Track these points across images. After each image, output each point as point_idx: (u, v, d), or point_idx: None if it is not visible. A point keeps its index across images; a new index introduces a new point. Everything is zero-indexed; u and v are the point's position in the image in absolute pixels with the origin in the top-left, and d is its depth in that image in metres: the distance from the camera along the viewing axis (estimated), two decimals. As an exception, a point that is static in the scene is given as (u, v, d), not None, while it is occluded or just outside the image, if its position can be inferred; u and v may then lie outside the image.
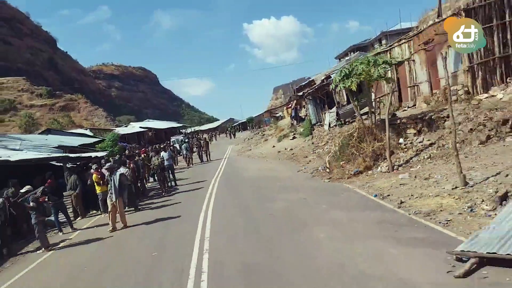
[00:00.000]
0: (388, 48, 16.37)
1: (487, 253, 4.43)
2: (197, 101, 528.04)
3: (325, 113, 19.60)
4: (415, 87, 14.64)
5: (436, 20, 12.86)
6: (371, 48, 39.81)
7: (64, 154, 14.25)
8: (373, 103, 14.44)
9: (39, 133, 26.52)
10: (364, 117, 13.52)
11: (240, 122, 70.98)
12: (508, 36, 11.41)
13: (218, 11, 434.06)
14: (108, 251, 7.79)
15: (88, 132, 37.62)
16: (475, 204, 6.49)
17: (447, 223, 5.99)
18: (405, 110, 14.68)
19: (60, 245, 8.71)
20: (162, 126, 52.44)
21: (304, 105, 26.02)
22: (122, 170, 10.57)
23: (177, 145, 28.19)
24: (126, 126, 49.80)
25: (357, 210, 7.66)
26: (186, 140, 30.50)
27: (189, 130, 68.62)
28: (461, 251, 4.66)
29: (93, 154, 13.82)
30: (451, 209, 6.53)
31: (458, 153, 7.62)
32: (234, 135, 52.15)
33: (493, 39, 11.41)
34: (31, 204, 8.35)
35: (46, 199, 8.76)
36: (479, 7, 11.34)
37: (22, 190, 8.90)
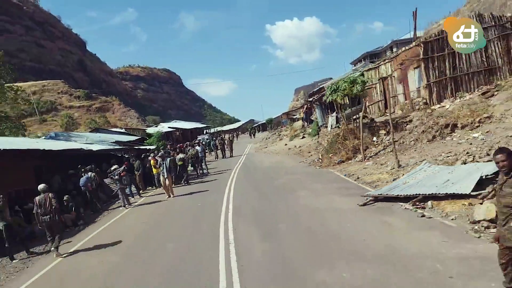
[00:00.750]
0: (377, 66, 20.34)
1: (378, 194, 8.56)
2: (219, 101, 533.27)
3: (328, 116, 23.63)
4: (395, 97, 18.57)
5: (407, 48, 16.79)
6: (383, 55, 43.31)
7: (122, 147, 18.85)
8: (366, 109, 18.50)
9: (89, 131, 31.50)
10: (358, 120, 17.59)
11: (260, 123, 75.28)
12: (456, 62, 15.27)
13: (241, 12, 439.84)
14: (166, 206, 12.18)
15: (124, 131, 42.61)
16: (398, 176, 10.53)
17: (376, 186, 10.09)
18: (386, 115, 18.63)
19: (133, 205, 13.16)
20: (188, 126, 57.21)
21: (313, 109, 30.07)
22: (173, 157, 15.04)
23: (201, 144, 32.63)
24: (156, 126, 54.77)
25: (330, 183, 11.77)
26: (213, 138, 34.89)
27: (212, 130, 73.38)
28: (366, 194, 8.83)
29: (148, 147, 18.34)
30: (383, 180, 10.60)
31: (395, 147, 11.68)
32: (254, 135, 56.47)
33: (445, 64, 15.29)
34: (116, 177, 12.85)
35: (125, 174, 13.20)
36: (434, 40, 15.26)
37: (112, 168, 13.36)
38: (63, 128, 45.09)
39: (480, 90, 14.65)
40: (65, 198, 11.42)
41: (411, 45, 16.21)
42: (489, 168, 7.68)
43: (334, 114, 21.99)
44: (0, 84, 23.27)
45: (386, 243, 5.70)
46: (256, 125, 75.13)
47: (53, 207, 7.95)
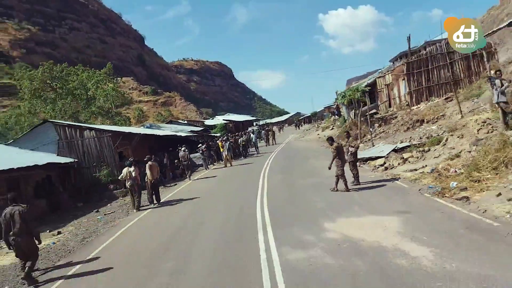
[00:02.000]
0: (383, 75, 27.44)
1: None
2: (269, 93, 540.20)
3: (350, 112, 30.92)
4: (394, 99, 25.66)
5: (398, 65, 23.87)
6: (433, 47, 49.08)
7: (196, 134, 27.57)
8: (378, 107, 25.83)
9: (166, 123, 40.91)
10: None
11: (306, 116, 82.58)
12: (430, 76, 22.24)
13: (292, 2, 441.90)
14: (226, 172, 20.42)
15: (186, 123, 51.96)
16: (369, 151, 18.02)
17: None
18: (386, 113, 25.80)
19: (210, 168, 21.62)
20: (240, 119, 65.94)
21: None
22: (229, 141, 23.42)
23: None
24: (212, 119, 64.01)
25: (329, 155, 19.47)
26: (261, 130, 43.08)
27: (261, 122, 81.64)
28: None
29: (215, 134, 26.84)
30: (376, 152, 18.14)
31: (372, 137, 19.13)
32: (299, 127, 64.06)
33: (422, 77, 22.31)
34: (201, 151, 21.36)
35: (205, 150, 21.65)
36: (414, 60, 22.32)
37: (199, 146, 21.89)
38: (135, 120, 54.63)
39: (445, 96, 21.54)
40: (176, 161, 20.10)
41: (399, 64, 23.28)
42: (401, 145, 15.16)
43: (353, 110, 29.33)
44: (117, 92, 32.34)
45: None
46: (302, 117, 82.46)
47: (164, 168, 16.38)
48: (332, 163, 10.55)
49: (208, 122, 60.07)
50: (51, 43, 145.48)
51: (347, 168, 11.03)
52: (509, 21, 10.79)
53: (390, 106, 26.93)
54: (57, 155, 17.44)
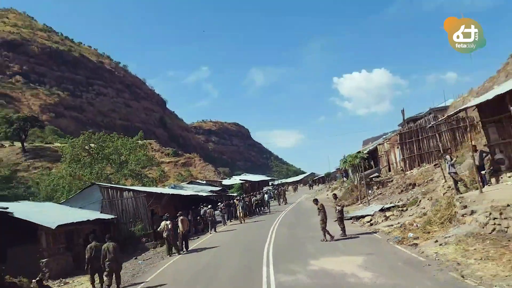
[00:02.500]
0: (383, 142, 30.92)
1: (348, 216, 19.35)
2: (286, 153, 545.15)
3: (354, 174, 34.10)
4: (392, 164, 28.91)
5: (393, 135, 27.38)
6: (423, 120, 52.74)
7: (212, 194, 30.98)
8: (380, 171, 29.03)
9: (187, 183, 44.61)
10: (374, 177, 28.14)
11: (319, 176, 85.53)
12: (421, 145, 25.60)
13: (308, 66, 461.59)
14: (241, 227, 23.55)
15: (205, 183, 55.55)
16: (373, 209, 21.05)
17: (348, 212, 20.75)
18: (386, 177, 28.91)
19: (228, 224, 24.75)
20: (255, 179, 69.36)
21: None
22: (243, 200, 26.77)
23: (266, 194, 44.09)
24: (229, 179, 67.59)
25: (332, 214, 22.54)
26: (274, 190, 46.26)
27: (276, 182, 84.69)
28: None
29: (232, 194, 30.19)
30: (358, 212, 21.18)
31: (368, 199, 22.24)
32: (312, 187, 66.91)
33: (413, 146, 25.68)
34: (219, 210, 24.68)
35: (224, 208, 24.91)
36: (406, 132, 25.84)
37: (218, 204, 25.22)
38: (157, 180, 58.41)
39: (434, 163, 24.71)
40: (198, 218, 23.40)
41: (394, 134, 26.83)
42: (388, 206, 18.25)
43: (357, 174, 32.55)
44: (147, 157, 36.64)
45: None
46: (316, 178, 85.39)
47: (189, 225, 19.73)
48: (320, 217, 13.72)
49: (226, 182, 63.55)
50: (79, 108, 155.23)
51: (334, 222, 14.18)
52: (475, 103, 13.63)
53: (389, 170, 30.11)
54: (101, 212, 20.99)
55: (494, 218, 10.01)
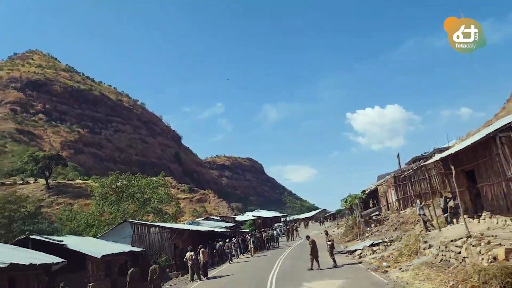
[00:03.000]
0: (382, 184, 34.18)
1: (344, 250, 22.53)
2: (300, 188, 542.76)
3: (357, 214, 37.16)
4: (390, 204, 32.06)
5: (388, 177, 30.69)
6: (429, 158, 55.85)
7: (226, 230, 34.38)
8: (381, 209, 32.22)
9: (202, 220, 48.01)
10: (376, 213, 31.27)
11: (331, 213, 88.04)
12: (413, 187, 28.85)
13: (321, 102, 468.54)
14: (252, 259, 26.79)
15: (219, 219, 58.82)
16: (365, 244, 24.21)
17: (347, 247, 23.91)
18: (384, 215, 31.98)
19: (240, 258, 28.01)
20: (268, 215, 72.36)
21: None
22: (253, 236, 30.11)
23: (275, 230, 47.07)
24: (242, 215, 70.72)
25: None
26: (284, 226, 49.25)
27: (288, 218, 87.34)
28: (340, 251, 22.91)
29: (245, 230, 33.53)
30: (355, 247, 24.33)
31: (364, 235, 25.44)
32: (323, 223, 69.57)
33: (407, 188, 28.94)
34: (233, 244, 28.01)
35: (236, 243, 28.22)
36: (400, 175, 29.18)
37: (233, 239, 28.53)
38: (173, 215, 61.70)
39: (425, 202, 27.84)
40: (214, 251, 26.77)
41: (389, 177, 30.19)
42: (377, 241, 21.46)
43: (359, 212, 35.67)
44: (168, 195, 40.56)
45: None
46: (327, 214, 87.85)
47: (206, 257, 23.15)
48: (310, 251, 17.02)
49: (239, 218, 66.74)
50: (97, 144, 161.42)
51: (326, 254, 17.49)
52: (448, 153, 16.85)
53: (388, 209, 33.24)
54: (131, 245, 24.56)
55: (442, 251, 13.33)
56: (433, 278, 11.61)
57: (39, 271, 15.31)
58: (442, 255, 13.22)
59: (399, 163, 31.47)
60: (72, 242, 20.49)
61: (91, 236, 30.14)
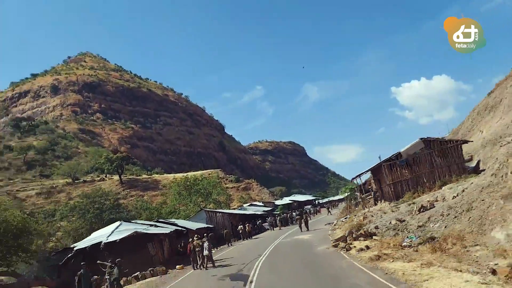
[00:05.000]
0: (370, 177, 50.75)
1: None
2: (345, 168, 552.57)
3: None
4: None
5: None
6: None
7: (267, 213, 52.52)
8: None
9: (248, 205, 66.34)
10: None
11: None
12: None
13: (364, 78, 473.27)
14: (278, 231, 44.78)
15: (261, 204, 77.29)
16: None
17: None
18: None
19: (271, 231, 46.09)
20: (302, 199, 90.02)
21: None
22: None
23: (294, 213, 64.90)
24: (281, 200, 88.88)
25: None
26: (295, 212, 66.64)
27: (325, 200, 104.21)
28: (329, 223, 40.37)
29: (276, 212, 51.40)
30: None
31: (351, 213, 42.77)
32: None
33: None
34: (268, 222, 46.13)
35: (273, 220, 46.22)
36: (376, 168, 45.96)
37: (268, 218, 46.48)
38: (224, 203, 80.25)
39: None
40: (255, 226, 45.08)
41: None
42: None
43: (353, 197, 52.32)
44: (223, 190, 59.39)
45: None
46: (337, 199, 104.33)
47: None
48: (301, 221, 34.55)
49: (278, 202, 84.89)
50: (149, 138, 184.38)
51: (312, 224, 35.14)
52: (368, 168, 33.67)
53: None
54: (206, 224, 43.13)
55: (356, 216, 30.59)
56: (345, 227, 28.90)
57: (172, 235, 33.96)
58: (357, 219, 30.47)
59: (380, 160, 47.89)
60: (178, 222, 39.30)
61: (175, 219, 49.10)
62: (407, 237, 19.74)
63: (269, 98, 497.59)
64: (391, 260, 15.12)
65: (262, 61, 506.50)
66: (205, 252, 21.80)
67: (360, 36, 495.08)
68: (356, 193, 46.45)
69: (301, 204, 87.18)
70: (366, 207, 35.38)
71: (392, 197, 31.33)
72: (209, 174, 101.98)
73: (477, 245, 15.08)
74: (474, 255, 13.97)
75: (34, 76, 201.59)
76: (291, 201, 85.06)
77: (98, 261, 19.27)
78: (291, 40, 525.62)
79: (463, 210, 19.30)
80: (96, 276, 20.99)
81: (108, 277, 17.38)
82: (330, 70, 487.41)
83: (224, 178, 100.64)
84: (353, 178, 40.08)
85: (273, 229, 45.27)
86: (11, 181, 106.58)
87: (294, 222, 48.88)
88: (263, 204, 76.12)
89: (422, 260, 14.45)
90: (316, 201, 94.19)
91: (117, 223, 30.14)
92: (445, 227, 18.98)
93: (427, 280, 11.28)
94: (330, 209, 60.70)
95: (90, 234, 45.79)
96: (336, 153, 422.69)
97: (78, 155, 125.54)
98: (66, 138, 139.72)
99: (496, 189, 17.26)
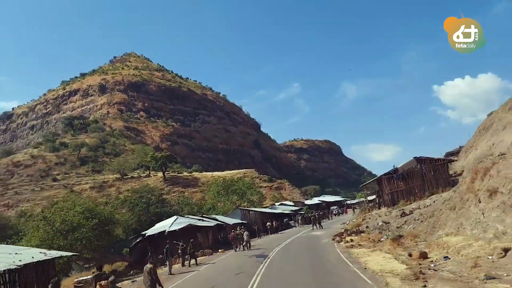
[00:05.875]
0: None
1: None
2: (382, 167, 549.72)
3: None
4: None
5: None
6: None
7: (290, 212, 61.74)
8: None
9: (278, 204, 75.70)
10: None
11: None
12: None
13: (404, 76, 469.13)
14: (299, 228, 53.88)
15: (291, 203, 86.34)
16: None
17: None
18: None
19: (296, 228, 55.23)
20: (331, 199, 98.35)
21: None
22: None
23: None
24: (311, 200, 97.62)
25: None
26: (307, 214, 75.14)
27: (354, 201, 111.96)
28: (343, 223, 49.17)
29: (301, 212, 60.53)
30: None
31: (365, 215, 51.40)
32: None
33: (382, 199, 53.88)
34: (295, 220, 55.32)
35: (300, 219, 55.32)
36: (383, 178, 54.24)
37: (295, 217, 55.61)
38: (257, 201, 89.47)
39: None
40: (282, 223, 54.38)
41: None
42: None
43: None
44: (256, 190, 69.08)
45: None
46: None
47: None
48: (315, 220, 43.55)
49: (307, 202, 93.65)
50: (188, 135, 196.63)
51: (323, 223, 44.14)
52: (374, 179, 42.15)
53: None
54: (241, 220, 52.75)
55: (362, 219, 39.26)
56: (350, 226, 37.61)
57: (214, 227, 43.73)
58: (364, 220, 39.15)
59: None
60: (219, 218, 49.16)
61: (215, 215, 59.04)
62: (386, 235, 28.51)
63: (306, 95, 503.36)
64: (358, 248, 24.06)
65: (299, 58, 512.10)
66: (245, 238, 31.18)
67: (403, 33, 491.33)
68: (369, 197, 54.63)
69: (330, 204, 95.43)
70: (370, 211, 43.77)
71: (390, 203, 39.88)
72: (245, 173, 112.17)
73: (424, 241, 23.72)
74: (418, 247, 22.60)
75: (83, 75, 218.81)
76: (320, 201, 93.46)
77: (174, 241, 29.04)
78: (330, 37, 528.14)
79: (428, 216, 28.06)
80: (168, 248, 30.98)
81: (180, 252, 27.34)
82: (370, 67, 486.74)
83: (258, 177, 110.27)
84: (361, 186, 48.55)
85: (297, 227, 54.38)
86: (67, 175, 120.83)
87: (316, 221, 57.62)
88: (293, 204, 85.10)
89: (376, 248, 23.29)
90: (344, 202, 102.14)
91: (174, 217, 40.12)
92: (413, 228, 27.72)
93: (365, 257, 20.13)
94: (355, 210, 68.93)
95: (138, 226, 56.53)
96: (373, 152, 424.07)
97: (125, 152, 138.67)
98: (114, 136, 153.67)
99: (450, 202, 25.80)
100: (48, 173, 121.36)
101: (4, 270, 14.53)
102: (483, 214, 19.70)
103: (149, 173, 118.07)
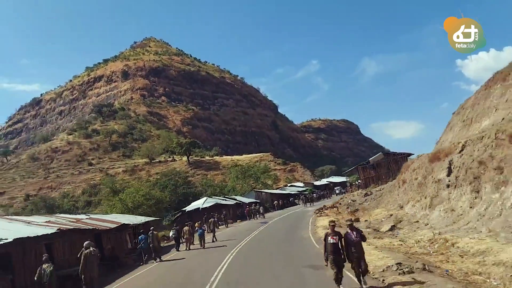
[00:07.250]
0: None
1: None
2: (404, 145, 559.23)
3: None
4: (375, 179, 72.51)
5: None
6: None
7: (297, 192, 78.03)
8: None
9: (289, 185, 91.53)
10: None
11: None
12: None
13: (426, 51, 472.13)
14: (302, 207, 70.16)
15: (301, 184, 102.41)
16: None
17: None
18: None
19: (299, 206, 71.55)
20: (336, 180, 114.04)
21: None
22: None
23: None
24: (319, 181, 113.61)
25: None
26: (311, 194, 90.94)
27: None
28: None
29: (305, 192, 76.68)
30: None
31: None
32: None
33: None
34: (300, 198, 71.67)
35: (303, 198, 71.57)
36: (363, 166, 69.84)
37: (301, 196, 71.79)
38: (272, 183, 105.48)
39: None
40: (288, 202, 70.88)
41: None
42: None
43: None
44: (270, 175, 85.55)
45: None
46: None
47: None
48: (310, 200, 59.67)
49: (317, 183, 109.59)
50: (208, 119, 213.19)
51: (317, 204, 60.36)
52: (356, 166, 57.16)
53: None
54: (255, 199, 69.17)
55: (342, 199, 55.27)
56: (331, 203, 53.57)
57: (234, 205, 60.34)
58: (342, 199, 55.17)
59: (368, 160, 71.37)
60: (237, 198, 65.77)
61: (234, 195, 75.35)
62: (350, 209, 44.46)
63: (325, 73, 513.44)
64: (324, 216, 40.14)
65: (318, 35, 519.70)
66: (261, 211, 47.67)
67: (424, 7, 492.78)
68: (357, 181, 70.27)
69: (336, 185, 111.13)
70: (351, 192, 59.68)
71: (364, 186, 55.79)
72: (261, 157, 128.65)
73: (368, 212, 39.66)
74: (362, 216, 38.56)
75: (106, 61, 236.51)
76: (327, 182, 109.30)
77: (211, 213, 45.68)
78: (349, 13, 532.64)
79: (378, 196, 43.99)
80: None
81: (217, 220, 44.18)
82: (391, 43, 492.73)
83: (273, 161, 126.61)
84: (344, 173, 64.55)
85: (300, 204, 70.50)
86: (101, 160, 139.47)
87: (314, 200, 73.61)
88: (303, 185, 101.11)
89: (333, 216, 39.37)
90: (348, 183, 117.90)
91: (204, 198, 56.86)
92: (368, 204, 43.63)
93: (321, 221, 36.11)
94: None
95: (168, 205, 72.92)
96: (394, 129, 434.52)
97: (151, 138, 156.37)
98: (139, 121, 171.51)
99: (390, 187, 41.52)
100: (83, 158, 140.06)
101: (134, 224, 31.25)
102: (398, 195, 35.57)
103: (173, 157, 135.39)
